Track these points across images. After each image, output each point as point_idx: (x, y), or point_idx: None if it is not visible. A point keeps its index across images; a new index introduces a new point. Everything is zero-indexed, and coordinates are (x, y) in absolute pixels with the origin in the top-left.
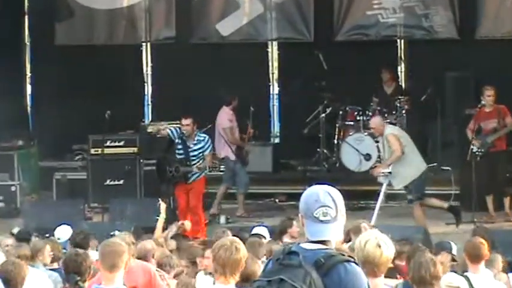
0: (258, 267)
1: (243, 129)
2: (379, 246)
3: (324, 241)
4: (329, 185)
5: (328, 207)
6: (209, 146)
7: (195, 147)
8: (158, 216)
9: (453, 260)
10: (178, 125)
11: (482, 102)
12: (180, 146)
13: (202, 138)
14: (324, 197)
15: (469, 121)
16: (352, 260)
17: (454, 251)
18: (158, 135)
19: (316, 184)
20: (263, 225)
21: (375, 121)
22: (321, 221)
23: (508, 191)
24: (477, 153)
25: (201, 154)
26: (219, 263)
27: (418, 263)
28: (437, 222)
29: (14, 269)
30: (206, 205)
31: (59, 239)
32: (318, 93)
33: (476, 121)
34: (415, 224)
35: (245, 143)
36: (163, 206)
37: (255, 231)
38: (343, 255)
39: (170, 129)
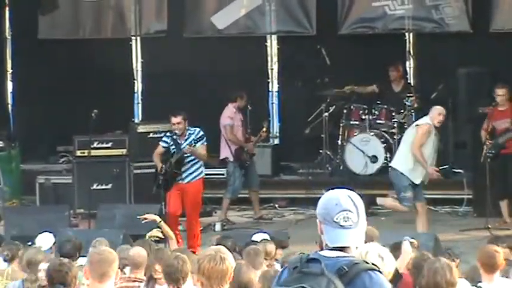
0: (255, 276)
1: (255, 130)
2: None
3: (344, 248)
4: (332, 189)
5: (350, 211)
6: (201, 136)
7: (186, 143)
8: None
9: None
10: (167, 131)
11: (497, 100)
12: (173, 147)
13: (192, 132)
14: (345, 201)
15: (483, 120)
16: (377, 268)
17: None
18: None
19: (334, 188)
20: (262, 232)
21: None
22: (342, 226)
23: None
24: (488, 154)
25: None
26: (204, 275)
27: (433, 269)
28: (449, 229)
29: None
30: (203, 211)
31: (40, 247)
32: (321, 91)
33: (490, 121)
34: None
35: (249, 144)
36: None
37: (255, 238)
38: (367, 263)
39: (163, 140)
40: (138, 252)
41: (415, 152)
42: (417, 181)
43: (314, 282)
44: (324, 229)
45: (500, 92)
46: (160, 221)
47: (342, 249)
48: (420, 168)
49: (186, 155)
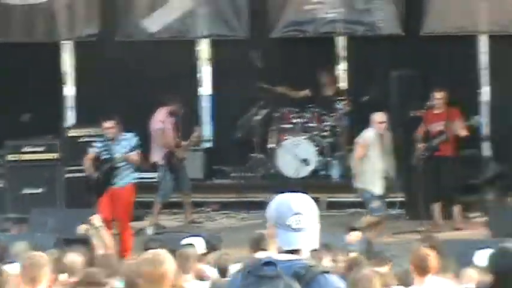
0: (182, 281)
1: (187, 134)
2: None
3: (296, 251)
4: (265, 193)
5: (302, 214)
6: (134, 142)
7: (119, 147)
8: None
9: None
10: (99, 135)
11: (432, 103)
12: (105, 152)
13: (125, 137)
14: (297, 205)
15: (414, 123)
16: (330, 271)
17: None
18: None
19: (268, 192)
20: (195, 235)
21: (382, 114)
22: (294, 229)
23: (457, 198)
24: (421, 156)
25: (125, 153)
26: (144, 278)
27: (356, 279)
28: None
29: None
30: (135, 215)
31: None
32: (252, 94)
33: (425, 124)
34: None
35: (179, 149)
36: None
37: (186, 241)
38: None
39: (93, 146)
40: (73, 258)
41: (354, 162)
42: (376, 191)
43: (271, 285)
44: (276, 233)
45: (439, 96)
46: (101, 226)
47: (294, 252)
48: (372, 178)
49: (118, 161)
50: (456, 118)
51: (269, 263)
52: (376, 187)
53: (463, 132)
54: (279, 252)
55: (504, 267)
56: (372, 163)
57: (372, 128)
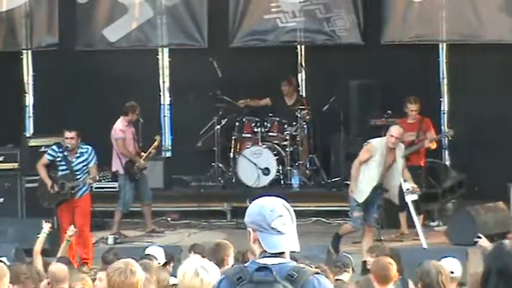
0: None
1: (147, 143)
2: (197, 275)
3: (281, 253)
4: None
5: (285, 217)
6: (93, 157)
7: (78, 161)
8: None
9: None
10: (57, 141)
11: (406, 111)
12: (62, 162)
13: (85, 150)
14: (279, 207)
15: (374, 132)
16: (320, 271)
17: (353, 265)
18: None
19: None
20: (155, 246)
21: (401, 131)
22: (280, 232)
23: (421, 208)
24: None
25: (85, 167)
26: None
27: None
28: (342, 241)
29: None
30: (93, 224)
31: None
32: (213, 103)
33: None
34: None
35: (139, 158)
36: (46, 226)
37: (148, 251)
38: (311, 267)
39: (48, 153)
40: (58, 267)
41: (354, 165)
42: (360, 199)
43: None
44: (259, 237)
45: (413, 107)
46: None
47: (279, 255)
48: (362, 186)
49: (77, 173)
50: (429, 129)
51: (261, 268)
52: (362, 196)
53: (433, 146)
54: (265, 257)
55: (500, 265)
56: (367, 171)
57: (384, 138)
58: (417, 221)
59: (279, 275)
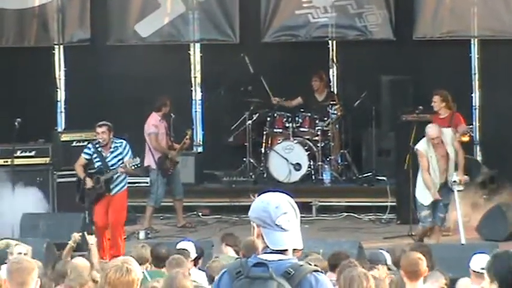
0: (191, 284)
1: (179, 138)
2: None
3: (284, 250)
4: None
5: (289, 214)
6: (128, 151)
7: (113, 155)
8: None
9: (388, 269)
10: (91, 139)
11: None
12: (97, 159)
13: (119, 144)
14: (284, 204)
15: (406, 128)
16: (319, 269)
17: (389, 261)
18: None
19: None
20: (187, 240)
21: (436, 130)
22: (284, 229)
23: None
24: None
25: (120, 161)
26: (109, 285)
27: (349, 278)
28: (372, 237)
29: None
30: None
31: None
32: (244, 99)
33: None
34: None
35: (173, 152)
36: (76, 236)
37: (180, 246)
38: (310, 264)
39: (84, 152)
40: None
41: (423, 177)
42: (425, 202)
43: (264, 286)
44: (263, 232)
45: (434, 99)
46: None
47: (282, 251)
48: (420, 187)
49: (113, 168)
50: (460, 123)
51: (259, 263)
52: (423, 197)
53: (466, 139)
54: (266, 253)
55: (504, 270)
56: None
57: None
58: (460, 214)
59: (276, 272)
